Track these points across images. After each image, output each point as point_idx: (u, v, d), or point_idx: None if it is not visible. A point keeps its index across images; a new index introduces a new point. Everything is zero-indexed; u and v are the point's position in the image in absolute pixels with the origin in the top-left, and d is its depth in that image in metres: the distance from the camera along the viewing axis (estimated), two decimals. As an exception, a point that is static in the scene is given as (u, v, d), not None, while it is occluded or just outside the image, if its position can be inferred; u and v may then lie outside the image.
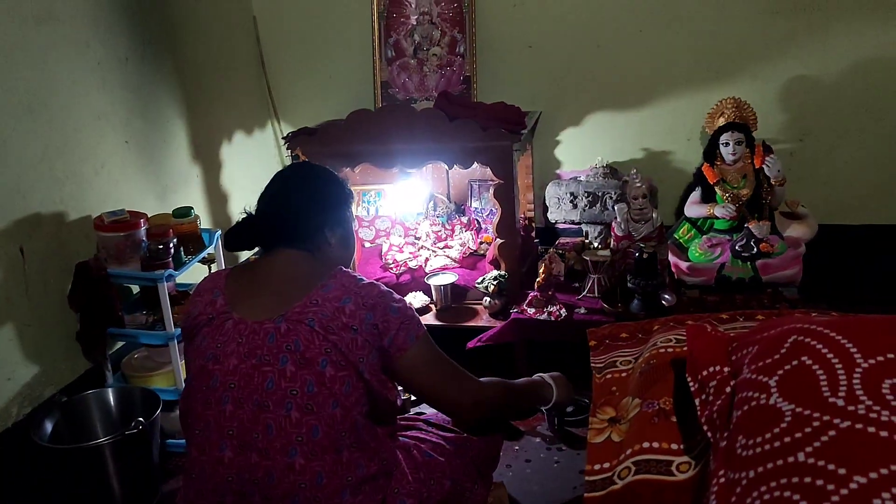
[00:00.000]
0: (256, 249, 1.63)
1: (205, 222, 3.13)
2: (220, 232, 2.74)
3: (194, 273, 2.79)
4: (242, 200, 3.44)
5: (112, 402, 2.39)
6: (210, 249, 2.69)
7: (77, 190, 2.48)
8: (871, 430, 0.89)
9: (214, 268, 2.86)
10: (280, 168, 3.78)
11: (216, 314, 1.49)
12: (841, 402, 0.94)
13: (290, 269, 1.54)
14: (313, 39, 3.58)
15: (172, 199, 2.93)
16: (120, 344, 2.65)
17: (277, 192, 1.64)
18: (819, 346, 1.03)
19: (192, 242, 2.61)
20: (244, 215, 1.64)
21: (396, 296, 1.53)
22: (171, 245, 2.46)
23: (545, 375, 1.84)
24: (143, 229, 2.48)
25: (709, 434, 1.12)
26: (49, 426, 2.21)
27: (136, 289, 2.68)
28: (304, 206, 1.60)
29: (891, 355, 0.98)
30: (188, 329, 1.55)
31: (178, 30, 3.04)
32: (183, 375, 2.48)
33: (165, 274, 2.37)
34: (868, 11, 2.99)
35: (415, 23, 3.39)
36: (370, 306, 1.46)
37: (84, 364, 2.50)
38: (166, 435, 2.48)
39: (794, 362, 1.04)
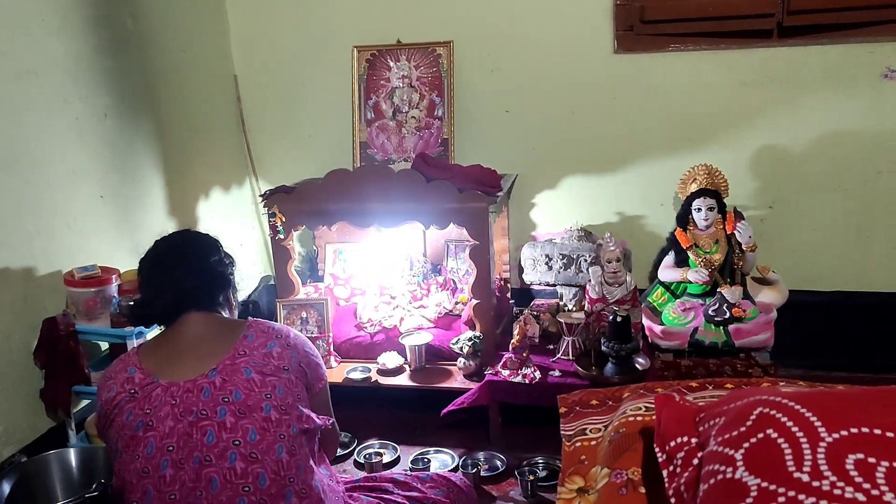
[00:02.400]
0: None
1: (178, 278, 3.10)
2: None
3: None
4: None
5: (74, 463, 2.32)
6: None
7: (48, 244, 2.46)
8: (835, 507, 0.89)
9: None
10: (258, 224, 3.78)
11: (138, 388, 1.47)
12: (806, 478, 0.93)
13: (206, 329, 1.58)
14: (293, 99, 3.62)
15: (146, 255, 2.90)
16: (85, 402, 2.59)
17: (170, 264, 1.65)
18: (784, 420, 1.04)
19: (164, 299, 2.58)
20: (133, 301, 1.72)
21: (305, 339, 1.68)
22: (142, 302, 2.42)
23: None
24: (114, 285, 2.46)
25: (676, 507, 1.11)
26: (7, 487, 2.13)
27: (104, 345, 2.64)
28: (206, 272, 1.64)
29: (854, 430, 0.98)
30: (105, 414, 1.51)
31: (158, 86, 3.06)
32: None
33: (136, 331, 2.34)
34: (834, 84, 3.09)
35: (395, 86, 3.45)
36: (292, 346, 1.58)
37: (47, 422, 2.44)
38: (113, 476, 2.40)
39: (760, 435, 1.04)
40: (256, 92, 3.66)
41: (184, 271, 1.61)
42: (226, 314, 1.69)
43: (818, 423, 1.00)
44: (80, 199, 2.62)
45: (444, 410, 2.69)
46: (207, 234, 1.76)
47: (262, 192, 3.07)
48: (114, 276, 2.46)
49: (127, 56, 2.87)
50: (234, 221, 3.63)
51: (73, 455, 2.33)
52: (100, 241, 2.70)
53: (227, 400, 1.42)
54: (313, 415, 1.55)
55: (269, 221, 2.99)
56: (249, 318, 1.64)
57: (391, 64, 3.45)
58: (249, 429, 1.40)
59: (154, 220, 3.04)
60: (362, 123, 3.48)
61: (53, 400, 2.38)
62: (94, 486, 2.10)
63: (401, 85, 3.45)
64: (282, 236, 2.97)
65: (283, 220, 2.95)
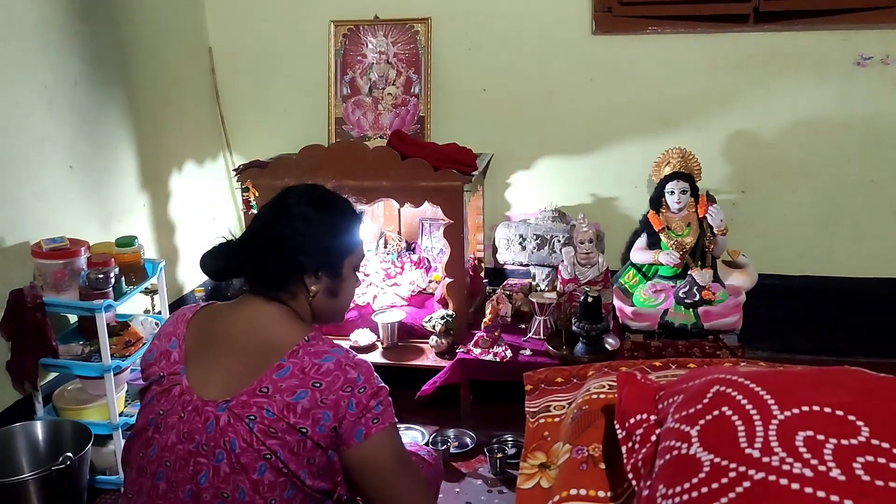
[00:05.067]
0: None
1: (150, 252, 3.08)
2: (163, 263, 2.70)
3: (135, 304, 2.74)
4: (190, 231, 3.41)
5: (41, 436, 2.31)
6: (153, 280, 2.65)
7: (14, 214, 2.42)
8: (784, 481, 0.91)
9: (157, 300, 2.81)
10: (232, 199, 3.74)
11: (167, 373, 1.35)
12: (756, 454, 0.95)
13: (251, 331, 1.35)
14: (269, 73, 3.59)
15: (116, 228, 2.88)
16: (53, 375, 2.57)
17: (261, 219, 1.43)
18: (739, 398, 1.06)
19: (135, 272, 2.57)
20: (225, 238, 1.45)
21: (364, 382, 1.29)
22: (112, 275, 2.41)
23: None
24: (83, 257, 2.43)
25: (633, 482, 1.13)
26: (-29, 459, 2.13)
27: (73, 318, 2.62)
28: (279, 244, 1.37)
29: (805, 408, 1.01)
30: (143, 374, 1.41)
31: (131, 56, 3.01)
32: (118, 409, 2.41)
33: (105, 304, 2.32)
34: (807, 70, 3.12)
35: (371, 62, 3.43)
36: (331, 404, 1.26)
37: (13, 395, 2.41)
38: (96, 471, 2.40)
39: (716, 412, 1.06)
40: (231, 65, 3.61)
41: (281, 225, 1.37)
42: (312, 305, 1.42)
43: (771, 401, 1.03)
44: (49, 168, 2.57)
45: (419, 393, 2.71)
46: (340, 196, 1.48)
47: (236, 167, 3.05)
48: (83, 249, 2.43)
49: (99, 24, 2.81)
50: (208, 195, 3.60)
51: (39, 428, 2.32)
52: (69, 212, 2.66)
53: (225, 445, 1.25)
54: (321, 483, 1.29)
55: (243, 196, 2.97)
56: (308, 336, 1.34)
57: (368, 39, 3.42)
58: (241, 487, 1.24)
59: (125, 191, 3.00)
60: (338, 99, 3.46)
61: (20, 372, 2.36)
62: (60, 459, 2.10)
63: (378, 61, 3.42)
64: (255, 211, 2.95)
65: (257, 194, 2.93)
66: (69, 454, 2.12)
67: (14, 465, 2.23)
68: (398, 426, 1.35)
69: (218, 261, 1.40)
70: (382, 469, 1.30)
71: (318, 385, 1.26)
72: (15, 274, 2.39)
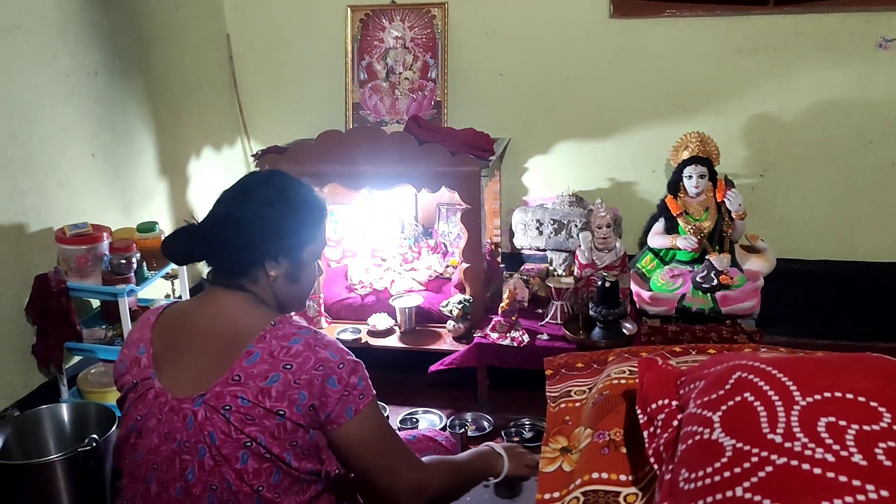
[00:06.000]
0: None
1: (170, 237, 3.11)
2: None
3: (157, 288, 2.78)
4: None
5: (66, 418, 2.34)
6: (174, 265, 2.68)
7: (40, 202, 2.46)
8: (806, 466, 0.92)
9: (178, 284, 2.84)
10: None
11: (139, 379, 1.35)
12: (779, 439, 0.96)
13: (217, 323, 1.35)
14: (286, 59, 3.60)
15: (137, 214, 2.91)
16: (77, 358, 2.62)
17: (224, 203, 1.41)
18: (761, 384, 1.06)
19: (156, 258, 2.60)
20: (186, 222, 1.45)
21: (339, 359, 1.30)
22: (134, 260, 2.44)
23: (496, 445, 1.64)
24: (105, 243, 2.47)
25: (655, 466, 1.15)
26: (0, 441, 2.17)
27: (96, 303, 2.66)
28: (240, 227, 1.35)
29: (828, 394, 1.01)
30: (117, 384, 1.42)
31: (150, 44, 3.04)
32: (140, 392, 2.45)
33: (127, 289, 2.36)
34: (828, 53, 3.09)
35: (388, 47, 3.42)
36: (304, 383, 1.26)
37: (39, 378, 2.46)
38: (113, 461, 2.44)
39: (738, 398, 1.06)
40: (249, 51, 3.63)
41: (239, 211, 1.36)
42: (275, 291, 1.41)
43: (793, 388, 1.03)
44: (72, 156, 2.61)
45: (432, 368, 2.73)
46: (301, 182, 1.47)
47: (254, 152, 3.06)
48: (105, 234, 2.47)
49: (118, 12, 2.83)
50: (226, 181, 3.61)
51: (65, 410, 2.36)
52: (91, 199, 2.70)
53: (205, 440, 1.25)
54: (307, 464, 1.31)
55: (261, 182, 2.98)
56: (274, 321, 1.33)
57: (385, 24, 3.42)
58: (226, 478, 1.25)
59: (145, 179, 3.03)
60: (355, 84, 3.46)
61: (45, 356, 2.40)
62: (86, 441, 2.13)
63: (395, 46, 3.42)
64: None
65: (275, 180, 2.94)
66: (94, 436, 2.15)
67: (41, 446, 2.27)
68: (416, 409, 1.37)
69: (181, 245, 1.40)
70: (375, 440, 1.34)
71: (289, 367, 1.27)
72: (40, 259, 2.43)
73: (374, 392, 1.36)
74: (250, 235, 1.36)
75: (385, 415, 2.70)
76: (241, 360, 1.28)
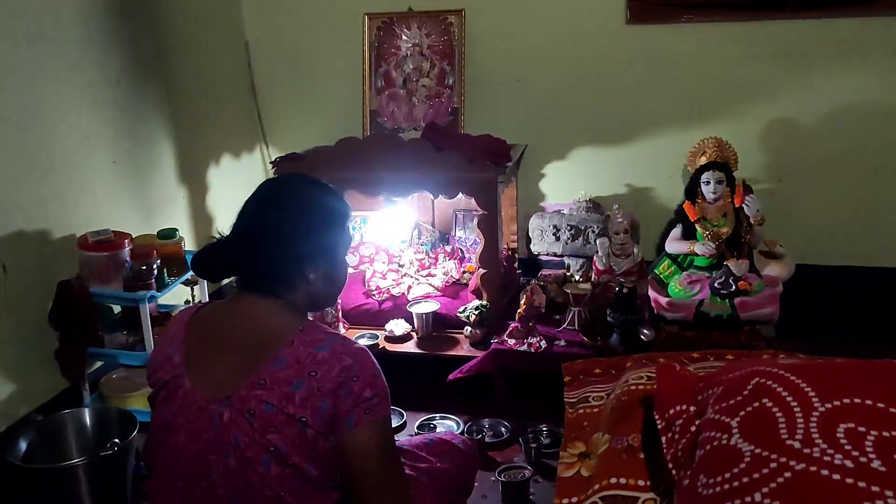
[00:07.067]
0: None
1: (189, 244, 3.14)
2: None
3: (177, 294, 2.80)
4: (228, 223, 3.46)
5: (88, 423, 2.37)
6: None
7: (62, 208, 2.49)
8: (825, 472, 0.92)
9: (198, 290, 2.87)
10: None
11: (171, 377, 1.36)
12: (797, 445, 0.96)
13: (247, 325, 1.35)
14: (305, 66, 3.63)
15: (158, 220, 2.94)
16: (99, 364, 2.65)
17: (251, 215, 1.41)
18: (779, 390, 1.06)
19: (176, 264, 2.63)
20: (216, 237, 1.43)
21: (359, 370, 1.28)
22: (155, 266, 2.47)
23: None
24: (126, 249, 2.49)
25: (673, 472, 1.15)
26: (23, 445, 2.19)
27: (117, 309, 2.69)
28: (277, 236, 1.35)
29: (846, 400, 1.01)
30: (150, 381, 1.43)
31: (170, 52, 3.08)
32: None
33: (148, 295, 2.38)
34: (846, 58, 3.07)
35: (405, 54, 3.45)
36: (327, 391, 1.25)
37: (61, 383, 2.49)
38: (141, 457, 2.46)
39: (756, 404, 1.07)
40: (268, 59, 3.66)
41: (272, 221, 1.35)
42: (310, 293, 1.41)
43: (812, 394, 1.03)
44: (94, 163, 2.64)
45: (451, 376, 2.73)
46: (319, 181, 1.46)
47: (273, 159, 3.09)
48: (126, 241, 2.50)
49: (139, 22, 2.88)
50: (245, 188, 3.64)
51: (87, 414, 2.39)
52: (112, 205, 2.74)
53: (230, 443, 1.26)
54: (328, 472, 1.29)
55: (280, 189, 3.00)
56: (303, 327, 1.32)
57: (402, 32, 3.44)
58: (249, 480, 1.26)
59: (165, 185, 3.07)
60: (373, 91, 3.49)
61: (68, 361, 2.43)
62: (108, 445, 2.16)
63: (412, 53, 3.44)
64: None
65: (294, 187, 2.96)
66: (116, 440, 2.18)
67: (64, 450, 2.30)
68: (391, 419, 1.34)
69: (213, 262, 1.41)
70: (365, 461, 1.29)
71: (314, 374, 1.26)
72: (63, 265, 2.46)
73: (388, 413, 1.32)
74: (291, 246, 1.35)
75: (402, 420, 2.69)
76: (268, 365, 1.28)
